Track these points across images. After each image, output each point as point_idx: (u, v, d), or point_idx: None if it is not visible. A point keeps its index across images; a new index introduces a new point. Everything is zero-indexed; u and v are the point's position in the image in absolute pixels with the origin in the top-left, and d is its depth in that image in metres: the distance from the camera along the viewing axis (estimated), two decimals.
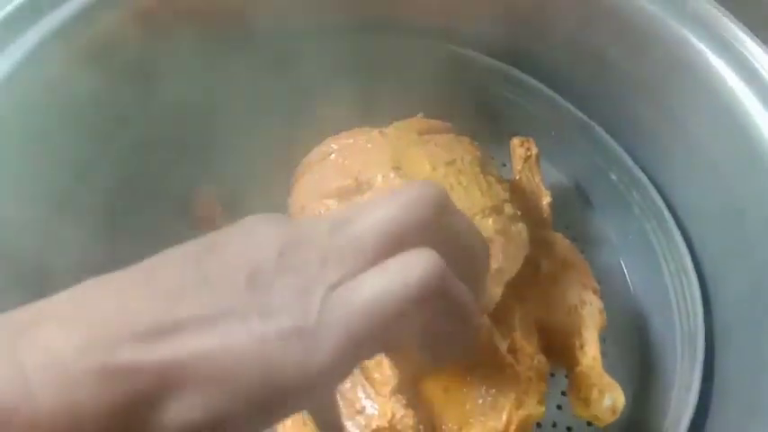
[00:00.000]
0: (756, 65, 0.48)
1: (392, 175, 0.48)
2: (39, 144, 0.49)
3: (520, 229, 0.48)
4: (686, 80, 0.52)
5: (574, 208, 0.65)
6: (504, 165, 0.66)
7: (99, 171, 0.54)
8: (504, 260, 0.44)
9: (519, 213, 0.49)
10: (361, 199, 0.48)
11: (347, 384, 0.47)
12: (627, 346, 0.58)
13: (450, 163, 0.50)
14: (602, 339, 0.57)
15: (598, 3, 0.56)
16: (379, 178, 0.48)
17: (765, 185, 0.47)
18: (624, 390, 0.53)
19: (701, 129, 0.52)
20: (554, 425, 0.55)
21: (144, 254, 0.28)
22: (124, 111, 0.54)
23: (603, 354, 0.56)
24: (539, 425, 0.54)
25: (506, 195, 0.50)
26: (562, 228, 0.64)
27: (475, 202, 0.47)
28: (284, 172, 0.57)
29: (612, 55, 0.57)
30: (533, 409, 0.47)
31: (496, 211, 0.47)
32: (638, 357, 0.57)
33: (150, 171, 0.56)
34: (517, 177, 0.61)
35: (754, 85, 0.48)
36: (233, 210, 0.56)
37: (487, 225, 0.46)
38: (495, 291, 0.49)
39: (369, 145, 0.52)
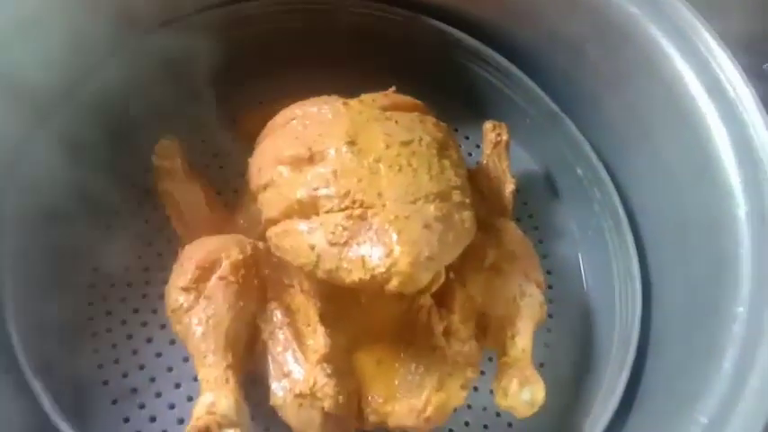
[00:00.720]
0: (721, 77, 0.47)
1: (344, 149, 0.48)
2: None
3: (465, 217, 0.48)
4: (653, 84, 0.51)
5: (540, 197, 0.66)
6: (478, 146, 0.66)
7: None
8: (437, 247, 0.45)
9: (467, 201, 0.50)
10: (312, 170, 0.48)
11: (279, 348, 0.48)
12: (571, 340, 0.59)
13: (406, 143, 0.50)
14: (548, 330, 0.59)
15: None
16: (332, 151, 0.48)
17: (710, 198, 0.47)
18: (559, 383, 0.55)
19: (663, 134, 0.52)
20: (484, 408, 0.56)
21: None
22: None
23: (547, 344, 0.57)
24: (469, 406, 0.55)
25: (458, 182, 0.50)
26: (526, 216, 0.65)
27: (421, 186, 0.47)
28: None
29: (590, 51, 0.57)
30: (454, 393, 0.48)
31: (442, 197, 0.47)
32: (579, 352, 0.58)
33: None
34: (485, 162, 0.61)
35: (716, 97, 0.47)
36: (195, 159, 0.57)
37: (428, 211, 0.46)
38: (438, 273, 0.50)
39: (329, 116, 0.52)
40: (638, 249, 0.55)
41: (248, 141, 0.55)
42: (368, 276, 0.43)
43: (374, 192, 0.46)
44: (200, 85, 0.62)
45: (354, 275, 0.44)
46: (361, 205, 0.45)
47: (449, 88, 0.66)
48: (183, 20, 0.59)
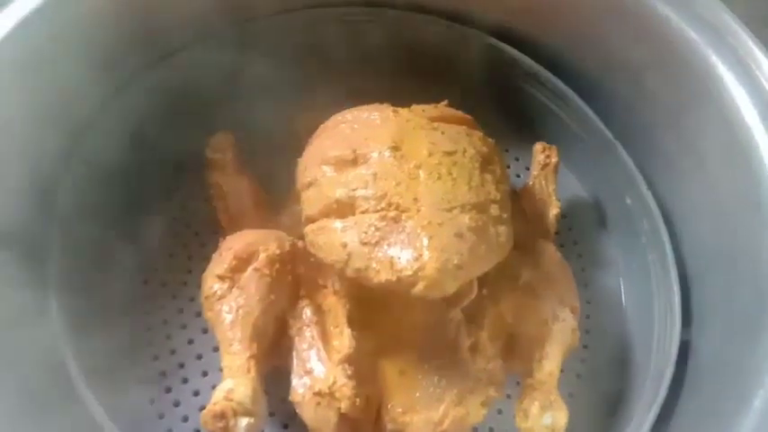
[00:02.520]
0: None
1: (387, 153, 0.49)
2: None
3: (500, 232, 0.48)
4: (710, 114, 0.50)
5: (587, 224, 0.64)
6: (528, 169, 0.65)
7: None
8: (467, 257, 0.44)
9: (505, 216, 0.49)
10: (354, 171, 0.49)
11: (304, 345, 0.49)
12: (604, 372, 0.57)
13: (450, 153, 0.50)
14: (581, 360, 0.57)
15: (643, 23, 0.54)
16: (376, 154, 0.49)
17: (761, 235, 0.45)
18: (587, 416, 0.53)
19: (717, 167, 0.51)
20: None
21: None
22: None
23: (579, 374, 0.56)
24: (491, 430, 0.54)
25: (498, 196, 0.49)
26: (571, 242, 0.63)
27: (458, 195, 0.47)
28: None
29: (649, 79, 0.55)
30: (473, 409, 0.47)
31: (479, 208, 0.47)
32: (611, 386, 0.56)
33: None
34: (531, 183, 0.60)
35: None
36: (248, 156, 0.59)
37: (463, 220, 0.46)
38: (467, 287, 0.49)
39: (378, 121, 0.52)
40: (682, 285, 0.53)
41: (300, 144, 0.56)
42: (394, 278, 0.43)
43: (411, 196, 0.46)
44: (257, 86, 0.64)
45: (382, 276, 0.44)
46: (396, 208, 0.45)
47: (503, 108, 0.65)
48: (247, 24, 0.61)
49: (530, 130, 0.65)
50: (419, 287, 0.43)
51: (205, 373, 0.54)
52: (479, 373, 0.48)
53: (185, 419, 0.52)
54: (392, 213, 0.45)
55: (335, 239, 0.46)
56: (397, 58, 0.66)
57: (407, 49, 0.65)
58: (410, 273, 0.43)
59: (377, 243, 0.44)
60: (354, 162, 0.49)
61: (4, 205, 0.48)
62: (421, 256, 0.43)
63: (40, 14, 0.49)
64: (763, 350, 0.41)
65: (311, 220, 0.50)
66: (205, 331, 0.55)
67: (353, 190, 0.47)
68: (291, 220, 0.56)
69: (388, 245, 0.44)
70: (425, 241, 0.44)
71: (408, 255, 0.43)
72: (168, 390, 0.53)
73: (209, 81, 0.61)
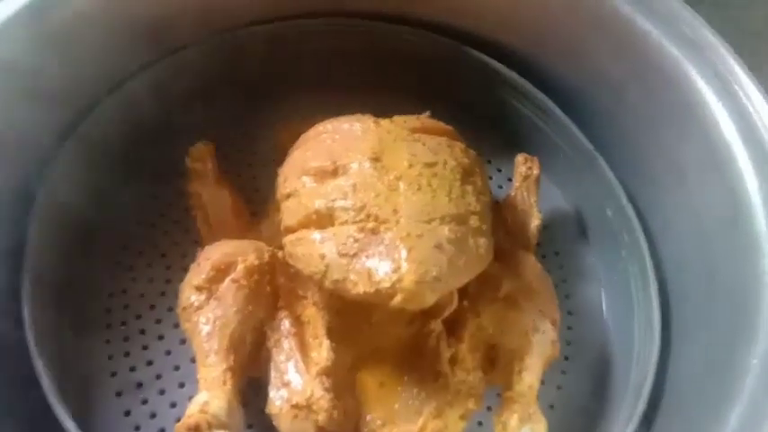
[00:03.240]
0: (759, 124, 0.46)
1: (367, 164, 0.48)
2: None
3: (480, 244, 0.48)
4: (690, 128, 0.50)
5: (568, 236, 0.64)
6: (510, 180, 0.66)
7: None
8: (447, 269, 0.44)
9: (485, 228, 0.49)
10: (333, 182, 0.48)
11: (282, 356, 0.48)
12: (585, 384, 0.57)
13: (430, 165, 0.50)
14: (562, 372, 0.57)
15: (624, 38, 0.54)
16: (355, 165, 0.49)
17: (738, 249, 0.45)
18: (566, 428, 0.53)
19: (697, 180, 0.51)
20: None
21: None
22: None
23: (560, 386, 0.56)
24: None
25: (478, 208, 0.49)
26: (552, 253, 0.63)
27: (438, 206, 0.47)
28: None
29: (630, 92, 0.56)
30: (452, 422, 0.47)
31: (458, 220, 0.47)
32: (592, 398, 0.56)
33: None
34: (513, 194, 0.60)
35: (752, 146, 0.46)
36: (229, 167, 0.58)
37: (442, 232, 0.45)
38: (447, 298, 0.49)
39: (359, 132, 0.52)
40: (661, 297, 0.53)
41: (282, 154, 0.56)
42: (372, 290, 0.43)
43: (390, 208, 0.46)
44: (239, 97, 0.64)
45: (360, 288, 0.43)
46: (375, 220, 0.45)
47: (486, 120, 0.66)
48: (227, 33, 0.61)
49: (512, 142, 0.65)
50: (397, 299, 0.43)
51: (182, 385, 0.53)
52: (459, 386, 0.48)
53: (162, 431, 0.51)
54: (371, 225, 0.45)
55: (314, 251, 0.46)
56: (381, 70, 0.66)
57: (391, 61, 0.65)
58: (388, 285, 0.43)
59: (355, 255, 0.44)
60: (334, 173, 0.49)
61: None
62: (399, 267, 0.43)
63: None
64: (741, 364, 0.41)
65: (290, 230, 0.49)
66: (183, 342, 0.55)
67: (333, 201, 0.47)
68: (271, 231, 0.56)
69: (367, 256, 0.44)
70: (404, 253, 0.44)
71: (386, 266, 0.43)
72: (145, 401, 0.52)
73: (187, 90, 0.61)
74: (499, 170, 0.67)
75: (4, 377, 0.47)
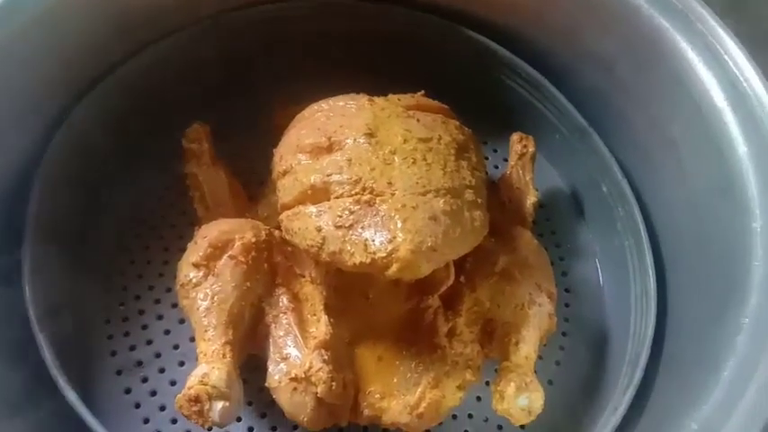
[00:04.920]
0: (749, 93, 0.47)
1: (362, 140, 0.49)
2: None
3: (475, 216, 0.48)
4: (681, 99, 0.51)
5: (564, 214, 0.65)
6: (506, 160, 0.66)
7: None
8: (442, 240, 0.44)
9: (480, 201, 0.49)
10: (328, 158, 0.49)
11: (281, 332, 0.48)
12: (583, 359, 0.57)
13: (425, 140, 0.50)
14: (560, 347, 0.57)
15: (615, 11, 0.54)
16: (350, 141, 0.49)
17: (729, 214, 0.45)
18: (565, 401, 0.54)
19: (688, 150, 0.51)
20: (486, 420, 0.54)
21: None
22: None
23: (558, 362, 0.56)
24: (470, 416, 0.54)
25: (473, 182, 0.49)
26: (549, 232, 0.64)
27: (432, 179, 0.47)
28: None
29: (621, 66, 0.56)
30: (449, 392, 0.47)
31: (453, 193, 0.47)
32: (590, 372, 0.56)
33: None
34: (508, 172, 0.61)
35: (742, 114, 0.47)
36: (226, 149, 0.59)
37: (437, 204, 0.46)
38: (444, 273, 0.49)
39: (353, 109, 0.52)
40: (657, 268, 0.53)
41: (278, 136, 0.56)
42: (368, 260, 0.43)
43: (385, 180, 0.46)
44: (234, 81, 0.64)
45: (356, 258, 0.44)
46: (370, 192, 0.46)
47: (481, 100, 0.66)
48: (222, 16, 0.61)
49: (507, 122, 0.66)
50: (393, 269, 0.43)
51: (182, 363, 0.54)
52: (456, 357, 0.48)
53: (162, 408, 0.52)
54: (366, 197, 0.45)
55: (310, 224, 0.46)
56: (375, 49, 0.66)
57: (385, 40, 0.65)
58: (384, 254, 0.43)
59: (351, 226, 0.45)
60: (329, 149, 0.50)
61: None
62: (395, 238, 0.43)
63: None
64: (734, 323, 0.42)
65: (286, 207, 0.50)
66: (182, 322, 0.55)
67: (328, 175, 0.47)
68: (268, 212, 0.56)
69: (362, 228, 0.44)
70: (399, 224, 0.44)
71: (382, 237, 0.44)
72: (145, 379, 0.53)
73: (182, 74, 0.61)
74: (495, 150, 0.68)
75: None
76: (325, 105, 0.55)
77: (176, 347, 0.54)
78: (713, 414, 0.39)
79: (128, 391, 0.52)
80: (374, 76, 0.62)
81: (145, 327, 0.55)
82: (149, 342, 0.54)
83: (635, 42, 0.54)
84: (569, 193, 0.65)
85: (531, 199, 0.59)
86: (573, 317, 0.59)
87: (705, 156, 0.49)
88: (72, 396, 0.45)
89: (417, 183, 0.46)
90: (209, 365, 0.44)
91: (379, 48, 0.66)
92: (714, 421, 0.38)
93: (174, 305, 0.55)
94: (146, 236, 0.59)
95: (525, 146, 0.61)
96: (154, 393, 0.52)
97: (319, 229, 0.45)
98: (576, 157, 0.62)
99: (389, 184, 0.46)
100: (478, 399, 0.55)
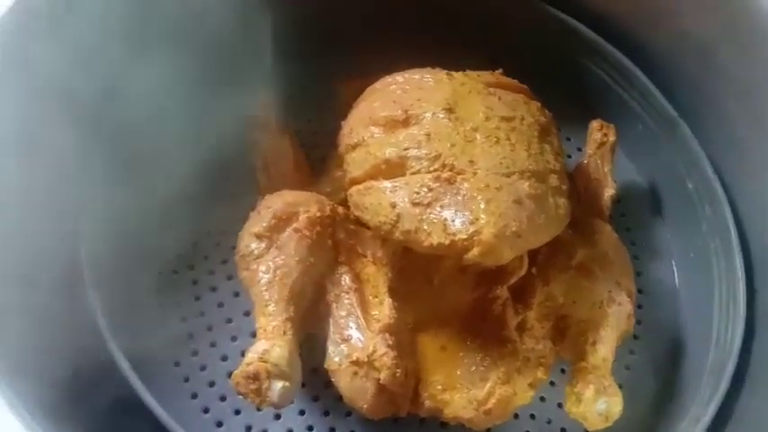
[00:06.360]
0: None
1: (441, 114, 0.46)
2: None
3: (559, 204, 0.45)
4: None
5: (641, 211, 0.61)
6: (580, 149, 0.62)
7: None
8: (526, 225, 0.41)
9: (564, 188, 0.46)
10: (405, 132, 0.46)
11: (343, 312, 0.46)
12: (657, 365, 0.54)
13: (507, 119, 0.47)
14: (630, 352, 0.54)
15: None
16: (428, 115, 0.46)
17: None
18: (636, 410, 0.50)
19: None
20: (549, 421, 0.51)
21: None
22: None
23: (628, 366, 0.53)
24: (532, 416, 0.51)
25: (557, 166, 0.47)
26: (623, 229, 0.60)
27: (517, 160, 0.44)
28: None
29: (721, 52, 0.52)
30: (520, 389, 0.44)
31: (538, 177, 0.44)
32: (664, 380, 0.53)
33: None
34: (586, 162, 0.57)
35: None
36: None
37: (522, 186, 0.43)
38: (516, 263, 0.46)
39: (431, 83, 0.50)
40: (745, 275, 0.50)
41: (344, 110, 0.54)
42: (447, 241, 0.41)
43: (466, 158, 0.43)
44: (298, 54, 0.61)
45: (434, 238, 0.41)
46: (451, 169, 0.43)
47: (557, 83, 0.62)
48: None
49: (584, 108, 0.62)
50: (473, 252, 0.40)
51: (234, 338, 0.51)
52: (528, 353, 0.46)
53: (211, 384, 0.49)
54: (446, 174, 0.43)
55: (384, 200, 0.43)
56: (449, 25, 0.63)
57: (462, 16, 0.62)
58: (465, 236, 0.40)
59: (429, 204, 0.42)
60: (405, 122, 0.47)
61: None
62: (477, 219, 0.41)
63: None
64: None
65: (356, 182, 0.47)
66: (236, 294, 0.53)
67: (405, 150, 0.45)
68: (331, 186, 0.54)
69: (442, 206, 0.42)
70: (482, 205, 0.41)
71: (463, 218, 0.41)
72: (195, 353, 0.51)
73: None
74: (569, 139, 0.64)
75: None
76: (399, 78, 0.52)
77: (229, 321, 0.52)
78: None
79: (177, 364, 0.50)
80: (446, 52, 0.59)
81: (197, 298, 0.53)
82: (202, 314, 0.52)
83: (738, 25, 0.50)
84: (647, 188, 0.61)
85: (608, 191, 0.55)
86: (646, 320, 0.56)
87: None
88: (124, 364, 0.43)
89: (501, 163, 0.43)
90: (270, 342, 0.42)
91: (454, 23, 0.63)
92: None
93: (229, 277, 0.53)
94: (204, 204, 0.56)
95: (606, 134, 0.57)
96: (203, 368, 0.50)
97: (394, 206, 0.43)
98: (659, 149, 0.58)
99: (471, 162, 0.43)
100: (542, 399, 0.52)
